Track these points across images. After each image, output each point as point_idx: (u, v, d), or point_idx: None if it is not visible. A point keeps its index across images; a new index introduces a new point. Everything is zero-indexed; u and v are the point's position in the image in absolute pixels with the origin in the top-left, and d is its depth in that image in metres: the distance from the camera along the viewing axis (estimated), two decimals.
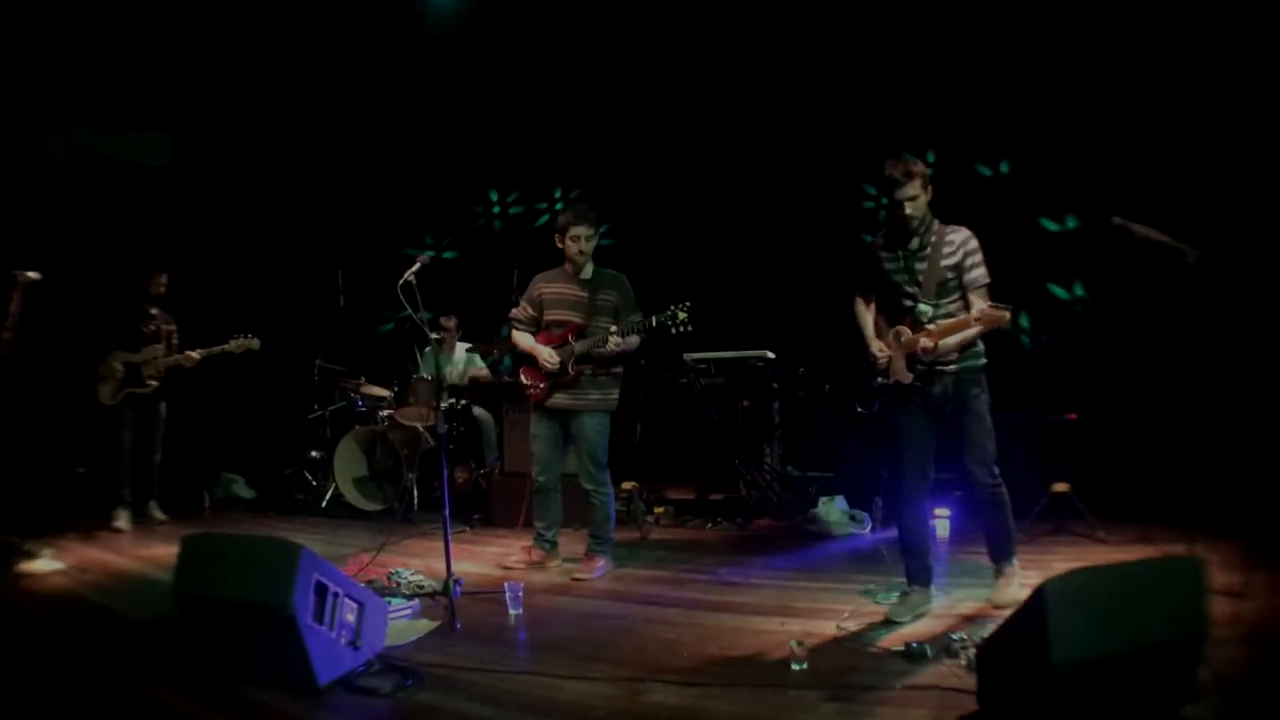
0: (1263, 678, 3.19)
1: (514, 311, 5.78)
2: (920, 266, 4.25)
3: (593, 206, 5.56)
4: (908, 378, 4.23)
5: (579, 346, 5.40)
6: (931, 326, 4.13)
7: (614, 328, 5.31)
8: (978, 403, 4.27)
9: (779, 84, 9.29)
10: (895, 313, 4.38)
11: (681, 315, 5.08)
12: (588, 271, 5.56)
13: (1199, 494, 4.44)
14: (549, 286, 5.61)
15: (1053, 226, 8.46)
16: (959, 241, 4.22)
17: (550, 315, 5.58)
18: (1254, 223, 6.60)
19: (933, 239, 4.24)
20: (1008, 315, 3.84)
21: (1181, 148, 7.28)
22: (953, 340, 4.10)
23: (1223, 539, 5.05)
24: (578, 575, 5.34)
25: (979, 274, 4.19)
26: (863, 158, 9.59)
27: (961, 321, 4.04)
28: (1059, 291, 8.26)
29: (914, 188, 4.12)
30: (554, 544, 5.72)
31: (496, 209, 11.71)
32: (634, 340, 5.36)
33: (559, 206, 11.27)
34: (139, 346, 7.35)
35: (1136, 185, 7.17)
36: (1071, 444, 6.09)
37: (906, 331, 4.26)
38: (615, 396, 5.58)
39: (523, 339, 5.67)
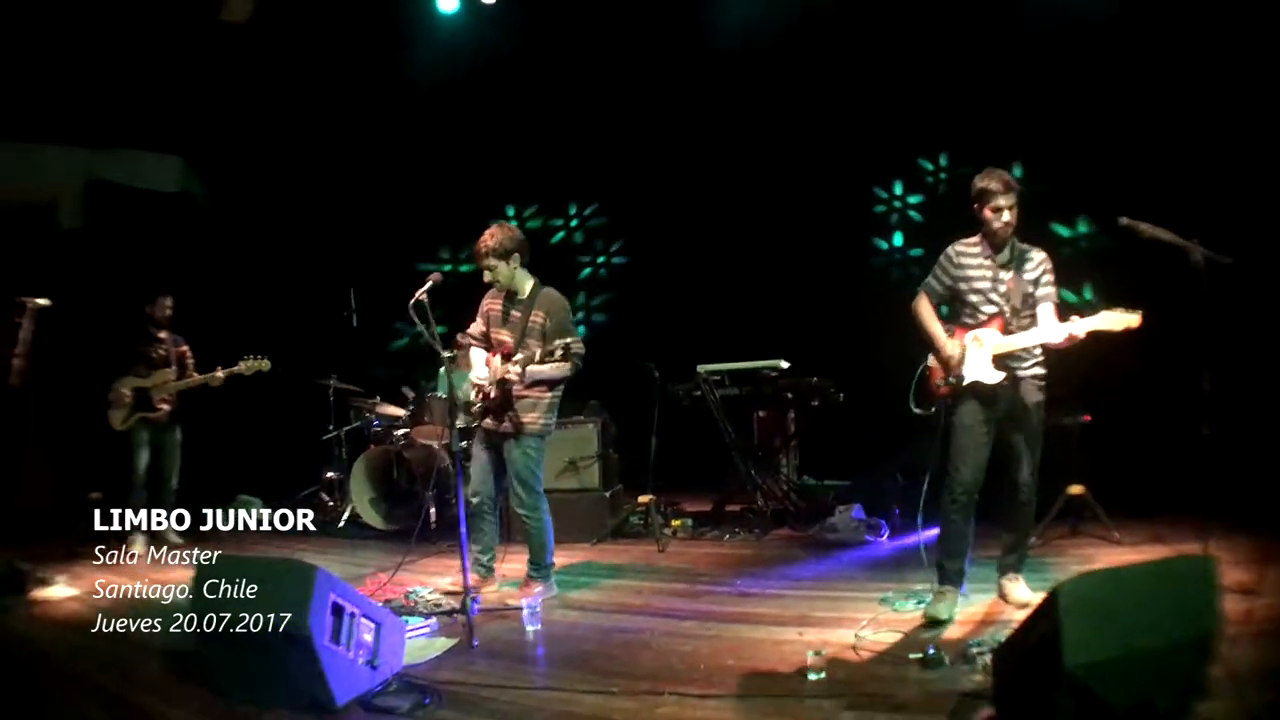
0: (1276, 675, 3.17)
1: (470, 328, 5.59)
2: (1006, 277, 4.36)
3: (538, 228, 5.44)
4: (995, 378, 4.28)
5: (499, 370, 5.18)
6: (1071, 321, 4.13)
7: (518, 357, 5.04)
8: (1041, 409, 4.41)
9: (790, 92, 9.29)
10: (969, 318, 4.44)
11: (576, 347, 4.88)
12: (525, 289, 5.33)
13: (1212, 492, 4.41)
14: (493, 303, 5.44)
15: (1064, 232, 8.42)
16: (1039, 260, 4.39)
17: (492, 333, 5.42)
18: (1262, 220, 6.57)
19: (1017, 252, 4.39)
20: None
21: (1190, 147, 7.26)
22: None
23: (1236, 535, 5.02)
24: (510, 601, 5.12)
25: (1053, 291, 4.39)
26: (873, 163, 9.63)
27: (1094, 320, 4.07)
28: (1068, 295, 8.21)
29: (1012, 198, 4.26)
30: (489, 569, 5.52)
31: (514, 224, 11.74)
32: (546, 369, 5.08)
33: (574, 223, 11.33)
34: (149, 371, 7.37)
35: (1147, 186, 7.13)
36: (1086, 445, 6.05)
37: (994, 335, 4.31)
38: (540, 420, 5.27)
39: (472, 355, 5.55)
